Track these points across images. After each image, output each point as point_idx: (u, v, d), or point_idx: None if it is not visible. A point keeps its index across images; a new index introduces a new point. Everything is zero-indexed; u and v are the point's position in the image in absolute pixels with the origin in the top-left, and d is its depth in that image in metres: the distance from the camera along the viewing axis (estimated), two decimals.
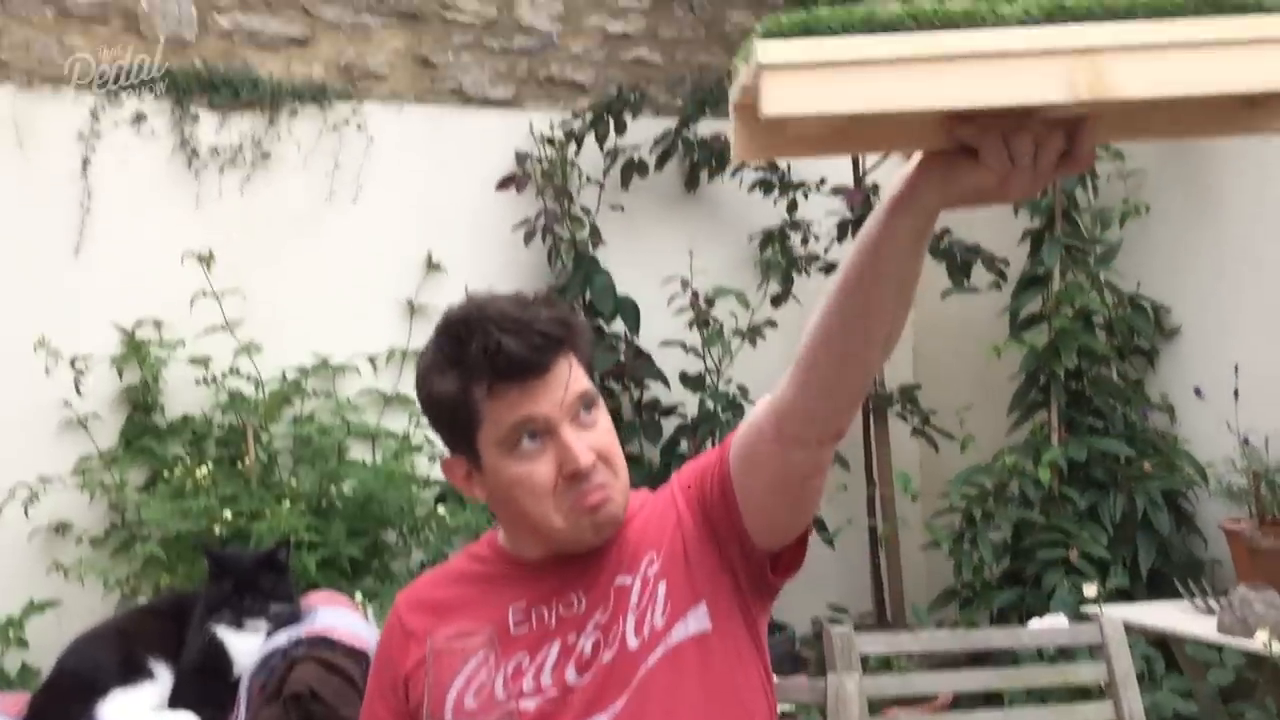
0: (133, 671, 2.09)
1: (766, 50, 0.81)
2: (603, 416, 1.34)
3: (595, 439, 1.30)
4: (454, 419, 1.32)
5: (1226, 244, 3.56)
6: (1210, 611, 2.99)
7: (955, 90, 0.81)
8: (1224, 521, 3.30)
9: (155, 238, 3.55)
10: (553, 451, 1.29)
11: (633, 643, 1.29)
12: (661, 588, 1.31)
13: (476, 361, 1.27)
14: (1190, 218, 3.65)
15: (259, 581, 2.15)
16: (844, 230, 4.06)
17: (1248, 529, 3.16)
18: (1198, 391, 3.50)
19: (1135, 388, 3.73)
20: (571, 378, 1.29)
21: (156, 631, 2.18)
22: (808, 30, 0.81)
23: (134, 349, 3.46)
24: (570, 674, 1.30)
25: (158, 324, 3.51)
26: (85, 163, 3.51)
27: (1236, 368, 3.33)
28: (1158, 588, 3.43)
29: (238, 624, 2.13)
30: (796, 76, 0.80)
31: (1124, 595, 3.35)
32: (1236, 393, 3.31)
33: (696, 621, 1.30)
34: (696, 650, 1.30)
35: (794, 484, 1.23)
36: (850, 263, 1.06)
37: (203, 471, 3.28)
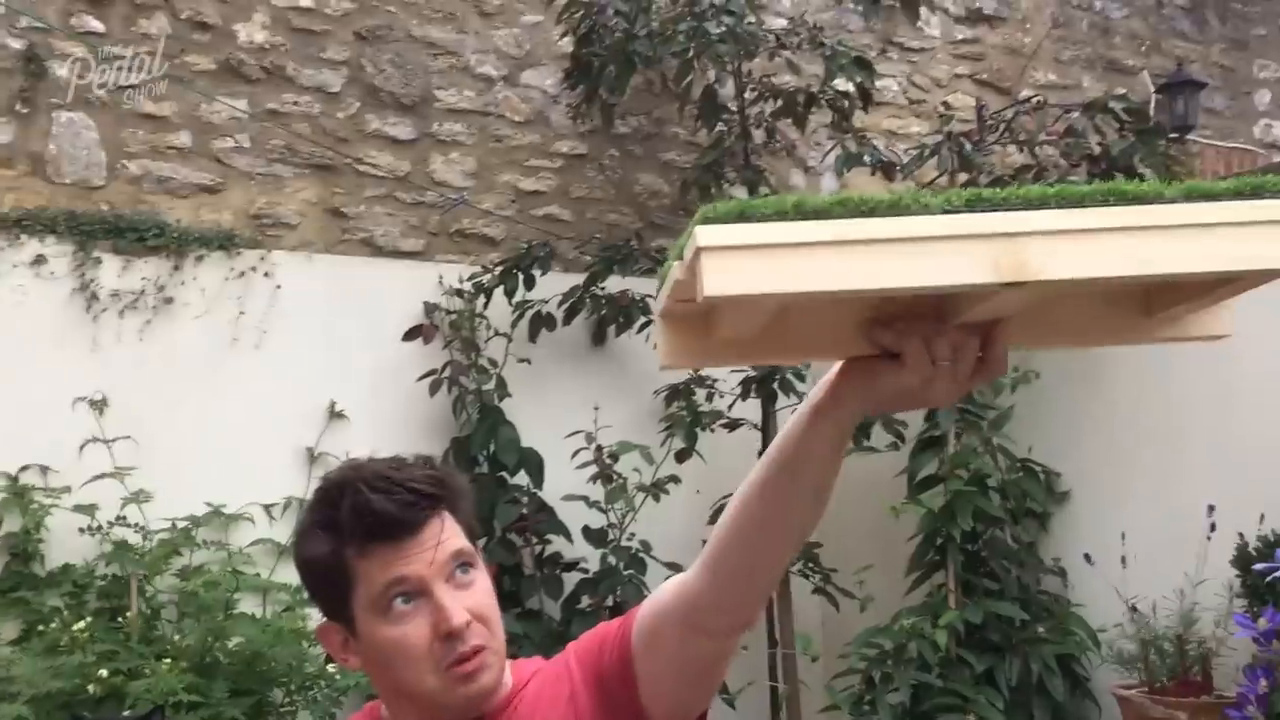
0: None
1: (705, 234, 0.82)
2: (481, 578, 1.30)
3: (472, 600, 1.26)
4: (327, 581, 1.28)
5: (1114, 412, 3.69)
6: None
7: (887, 273, 0.83)
8: (1114, 688, 3.34)
9: (47, 381, 3.47)
10: (427, 613, 1.25)
11: None
12: None
13: (347, 522, 1.24)
14: (1079, 386, 3.78)
15: None
16: (748, 388, 4.12)
17: (1138, 696, 3.19)
18: (1088, 558, 3.57)
19: (1029, 550, 3.79)
20: (445, 536, 1.26)
21: None
22: (742, 216, 0.83)
23: (16, 495, 3.34)
24: None
25: (44, 469, 3.41)
26: None
27: (1123, 535, 3.41)
28: None
29: None
30: (733, 258, 0.82)
31: None
32: (1124, 559, 3.38)
33: None
34: None
35: (697, 668, 1.22)
36: (768, 463, 1.07)
37: (81, 625, 3.14)
